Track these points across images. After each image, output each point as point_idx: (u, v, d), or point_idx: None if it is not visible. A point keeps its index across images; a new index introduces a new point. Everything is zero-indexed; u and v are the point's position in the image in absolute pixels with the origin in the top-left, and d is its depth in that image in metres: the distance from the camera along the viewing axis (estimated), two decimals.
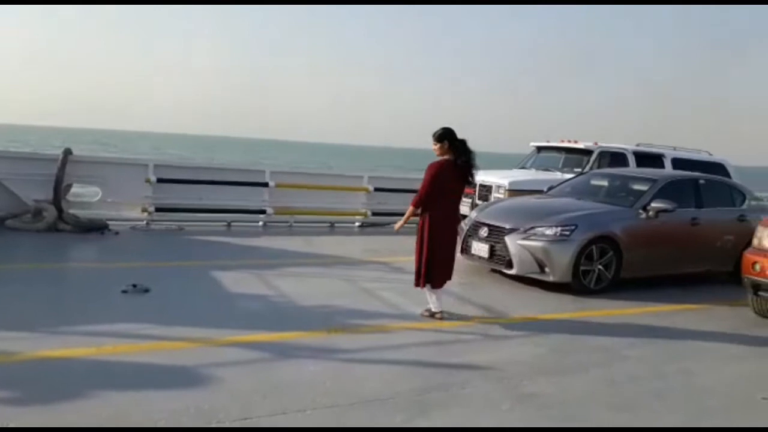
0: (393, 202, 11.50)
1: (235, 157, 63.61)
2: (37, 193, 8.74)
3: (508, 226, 7.01)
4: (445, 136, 5.29)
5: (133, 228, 9.23)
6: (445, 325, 5.23)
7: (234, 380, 3.76)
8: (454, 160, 5.25)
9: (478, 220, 7.46)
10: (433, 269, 5.27)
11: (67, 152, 8.98)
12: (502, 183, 9.66)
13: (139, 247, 8.10)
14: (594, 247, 6.80)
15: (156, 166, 9.76)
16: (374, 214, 11.24)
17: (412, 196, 5.41)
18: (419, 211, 5.34)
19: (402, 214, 5.57)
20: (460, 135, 5.31)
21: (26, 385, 3.51)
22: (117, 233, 8.61)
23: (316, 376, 3.91)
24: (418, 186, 5.38)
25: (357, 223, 11.25)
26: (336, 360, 4.23)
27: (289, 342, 4.51)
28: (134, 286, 5.57)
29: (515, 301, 6.24)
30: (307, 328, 4.84)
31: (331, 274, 6.87)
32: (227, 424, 3.21)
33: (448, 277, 5.43)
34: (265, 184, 10.37)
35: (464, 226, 7.74)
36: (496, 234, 7.07)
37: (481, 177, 10.23)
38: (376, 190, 11.25)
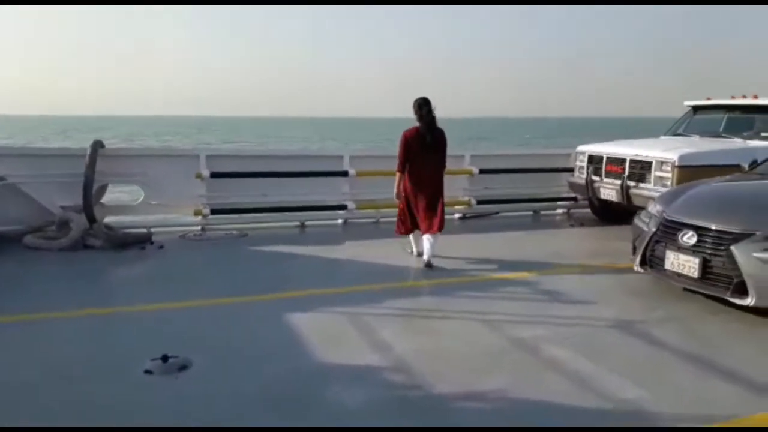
0: (503, 185, 9.10)
1: (295, 138, 61.22)
2: (64, 199, 6.93)
3: (735, 229, 4.45)
4: (413, 105, 5.83)
5: (183, 236, 7.26)
6: None
7: None
8: (419, 128, 5.80)
9: (672, 218, 4.93)
10: (415, 219, 5.96)
11: (97, 145, 7.06)
12: (667, 158, 7.00)
13: (187, 269, 6.00)
14: None
15: (209, 158, 7.75)
16: (480, 202, 8.86)
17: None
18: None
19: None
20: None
21: None
22: (161, 247, 6.63)
23: None
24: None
25: (457, 215, 8.90)
26: None
27: None
28: (164, 359, 3.47)
29: None
30: None
31: (451, 309, 4.58)
32: None
33: (431, 228, 5.85)
34: (344, 173, 8.17)
35: (643, 225, 5.25)
36: (712, 241, 4.54)
37: (630, 150, 7.63)
38: (482, 172, 8.84)
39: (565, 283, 5.41)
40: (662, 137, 8.83)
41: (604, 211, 8.57)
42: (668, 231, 4.90)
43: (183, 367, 3.44)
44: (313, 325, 4.19)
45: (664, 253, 4.86)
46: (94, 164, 6.89)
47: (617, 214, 8.46)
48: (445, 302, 4.78)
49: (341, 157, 8.36)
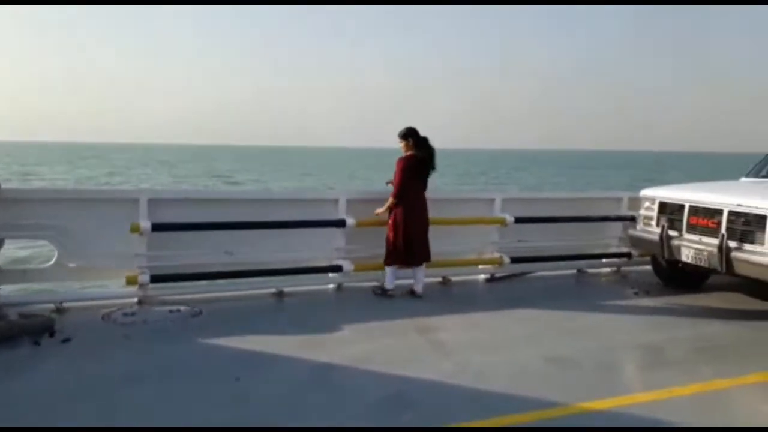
0: (540, 237, 7.09)
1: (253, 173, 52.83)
2: None
3: None
4: (409, 134, 5.79)
5: (108, 316, 5.05)
6: None
7: None
8: (417, 155, 5.76)
9: None
10: (412, 250, 5.77)
11: None
12: None
13: (84, 395, 3.62)
14: None
15: (152, 202, 5.57)
16: (514, 260, 6.80)
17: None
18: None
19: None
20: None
21: None
22: (66, 341, 4.42)
23: None
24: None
25: (482, 276, 6.83)
26: None
27: None
28: None
29: None
30: None
31: None
32: None
33: (427, 258, 5.89)
34: (340, 223, 6.05)
35: None
36: None
37: (728, 197, 5.64)
38: (518, 221, 6.79)
39: (709, 422, 3.32)
40: (744, 179, 6.89)
41: (673, 274, 6.59)
42: None
43: None
44: None
45: None
46: None
47: (685, 275, 6.52)
48: None
49: (336, 201, 6.24)
